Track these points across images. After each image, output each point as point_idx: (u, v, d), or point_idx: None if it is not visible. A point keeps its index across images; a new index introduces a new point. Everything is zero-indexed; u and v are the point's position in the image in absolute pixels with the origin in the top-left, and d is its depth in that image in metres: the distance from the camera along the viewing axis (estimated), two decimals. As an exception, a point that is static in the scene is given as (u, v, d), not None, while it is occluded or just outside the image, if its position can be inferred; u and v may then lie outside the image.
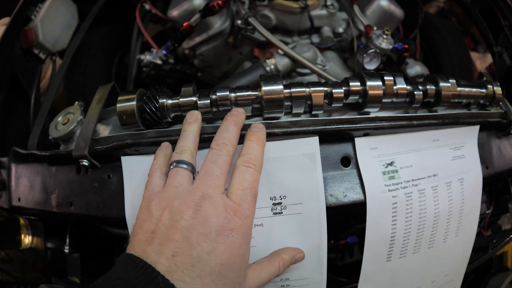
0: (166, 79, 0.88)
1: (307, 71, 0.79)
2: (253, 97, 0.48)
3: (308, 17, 0.81)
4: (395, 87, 0.54)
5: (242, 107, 0.49)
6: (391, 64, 1.05)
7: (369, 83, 0.52)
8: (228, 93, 0.47)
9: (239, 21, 0.79)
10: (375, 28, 0.82)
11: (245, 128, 0.47)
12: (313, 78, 0.79)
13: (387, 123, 0.54)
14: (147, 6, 0.98)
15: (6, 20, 1.26)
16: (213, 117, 0.50)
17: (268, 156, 0.49)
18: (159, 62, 0.81)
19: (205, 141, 0.47)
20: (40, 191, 0.59)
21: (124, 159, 0.51)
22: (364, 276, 0.58)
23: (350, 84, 0.52)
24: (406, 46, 0.92)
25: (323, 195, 0.50)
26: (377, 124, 0.53)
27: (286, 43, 0.83)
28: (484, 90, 0.62)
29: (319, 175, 0.50)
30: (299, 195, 0.50)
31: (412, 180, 0.56)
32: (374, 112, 0.56)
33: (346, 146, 0.54)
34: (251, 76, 0.71)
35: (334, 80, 0.73)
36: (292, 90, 0.49)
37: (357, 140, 0.53)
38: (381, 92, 0.52)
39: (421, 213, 0.57)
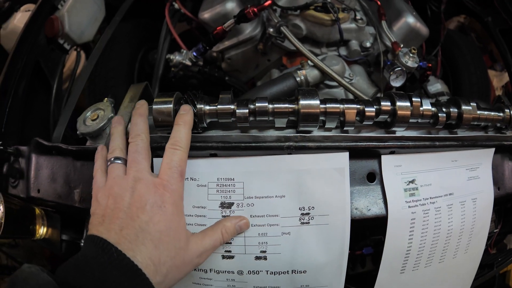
0: (191, 79, 0.91)
1: (334, 83, 0.81)
2: (290, 109, 0.50)
3: (338, 30, 0.83)
4: (421, 108, 0.57)
5: (278, 119, 0.51)
6: (413, 81, 1.07)
7: (398, 103, 0.55)
8: (267, 104, 0.49)
9: (271, 29, 0.82)
10: (401, 45, 0.84)
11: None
12: (340, 91, 0.81)
13: (412, 143, 0.57)
14: (176, 5, 1.00)
15: (29, 6, 1.29)
16: (249, 126, 0.52)
17: (300, 168, 0.51)
18: (188, 63, 0.83)
19: (241, 149, 0.49)
20: (63, 185, 0.61)
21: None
22: (378, 286, 0.61)
23: (382, 103, 0.55)
24: (430, 65, 0.94)
25: (349, 208, 0.52)
26: (403, 143, 0.56)
27: (315, 54, 0.85)
28: (501, 114, 0.65)
29: (347, 189, 0.52)
30: (326, 207, 0.52)
31: (430, 198, 0.59)
32: (400, 131, 0.59)
33: (373, 163, 0.56)
34: (282, 86, 0.73)
35: (361, 94, 0.76)
36: (327, 105, 0.51)
37: (383, 157, 0.56)
38: (409, 112, 0.56)
39: (436, 229, 0.60)
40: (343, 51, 0.90)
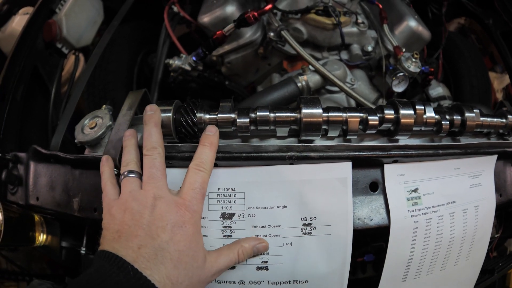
0: (190, 83, 0.90)
1: (336, 89, 0.80)
2: (292, 118, 0.50)
3: (340, 34, 0.83)
4: (424, 116, 0.57)
5: (279, 128, 0.50)
6: (415, 85, 1.07)
7: (402, 111, 0.55)
8: (268, 113, 0.49)
9: (271, 33, 0.81)
10: (403, 49, 0.83)
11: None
12: (342, 96, 0.81)
13: (415, 152, 0.56)
14: (175, 8, 0.99)
15: (28, 9, 1.27)
16: (250, 135, 0.52)
17: (302, 178, 0.51)
18: (188, 68, 0.83)
19: (242, 159, 0.49)
20: (61, 193, 0.60)
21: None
22: None
23: (385, 111, 0.54)
24: (432, 69, 0.93)
25: (352, 218, 0.52)
26: (406, 152, 0.56)
27: (316, 58, 0.85)
28: (504, 120, 0.65)
29: (349, 199, 0.52)
30: (329, 217, 0.52)
31: (433, 206, 0.59)
32: (403, 140, 0.58)
33: (376, 172, 0.56)
34: (283, 91, 0.72)
35: (362, 100, 0.75)
36: (330, 114, 0.51)
37: (386, 166, 0.56)
38: (412, 121, 0.55)
39: (438, 238, 0.60)
40: (344, 55, 0.90)
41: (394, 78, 0.79)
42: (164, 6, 1.02)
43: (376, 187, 0.56)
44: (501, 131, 0.66)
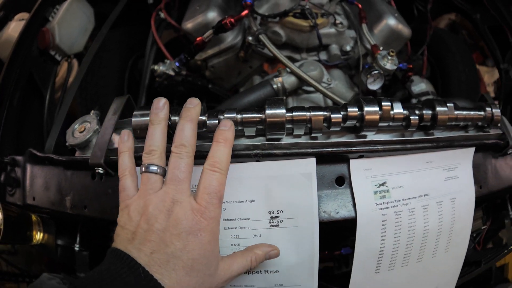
0: (178, 87, 0.96)
1: (313, 89, 0.85)
2: (257, 119, 0.55)
3: (317, 35, 0.88)
4: (391, 112, 0.60)
5: (247, 128, 0.56)
6: (396, 81, 1.11)
7: (366, 108, 0.58)
8: (235, 114, 0.54)
9: (250, 38, 0.87)
10: (381, 48, 0.88)
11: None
12: (319, 96, 0.86)
13: (381, 147, 0.60)
14: (162, 15, 1.05)
15: (23, 15, 1.33)
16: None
17: (269, 174, 0.56)
18: (171, 73, 0.89)
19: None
20: (55, 193, 0.66)
21: (138, 169, 0.58)
22: (353, 285, 0.64)
23: (348, 109, 0.58)
24: (411, 66, 0.97)
25: (317, 211, 0.56)
26: (372, 147, 0.60)
27: (295, 60, 0.90)
28: (482, 113, 0.67)
29: (314, 193, 0.56)
30: (295, 210, 0.56)
31: (403, 199, 0.62)
32: (371, 135, 0.62)
33: (342, 167, 0.60)
34: (259, 93, 0.77)
35: (337, 98, 0.80)
36: (294, 114, 0.56)
37: (352, 161, 0.60)
38: (377, 117, 0.58)
39: (410, 230, 0.63)
40: (323, 55, 0.94)
41: (368, 76, 0.83)
42: (152, 12, 1.08)
43: (343, 181, 0.60)
44: (480, 123, 0.68)
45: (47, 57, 1.09)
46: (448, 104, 0.64)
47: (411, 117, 0.61)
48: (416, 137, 0.66)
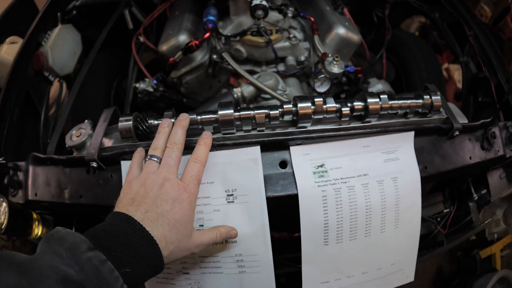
0: (158, 103, 1.18)
1: (269, 96, 1.07)
2: (213, 119, 0.75)
3: (272, 50, 1.11)
4: (324, 106, 0.77)
5: (206, 126, 0.77)
6: (350, 84, 1.26)
7: (299, 104, 0.76)
8: (195, 116, 0.75)
9: (214, 56, 1.10)
10: (330, 55, 1.07)
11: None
12: (275, 101, 1.06)
13: (316, 135, 0.78)
14: (141, 39, 1.29)
15: (14, 38, 1.50)
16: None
17: (224, 160, 0.75)
18: (151, 90, 1.11)
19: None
20: (55, 187, 0.84)
21: (123, 163, 0.78)
22: (305, 256, 0.77)
23: (284, 106, 0.77)
24: (359, 68, 1.15)
25: (263, 189, 0.74)
26: (307, 135, 0.78)
27: (255, 72, 1.12)
28: (420, 101, 0.80)
29: (260, 174, 0.74)
30: (246, 189, 0.74)
31: (341, 178, 0.76)
32: (310, 126, 0.79)
33: (284, 153, 0.79)
34: (221, 102, 0.99)
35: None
36: (241, 113, 0.75)
37: (292, 148, 0.78)
38: (310, 111, 0.76)
39: (352, 205, 0.76)
40: (281, 67, 1.17)
41: (315, 80, 1.03)
42: (132, 37, 1.31)
43: (286, 164, 0.77)
44: (420, 110, 0.82)
45: (42, 77, 1.29)
46: (381, 96, 0.78)
47: (342, 109, 0.78)
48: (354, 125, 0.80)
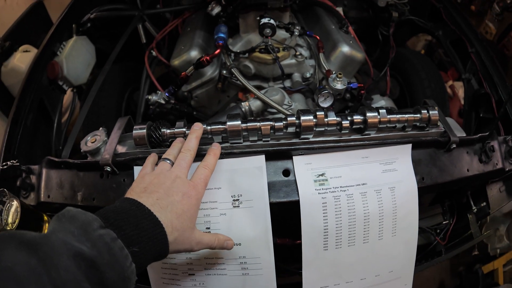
0: (168, 115, 1.28)
1: (275, 110, 1.16)
2: (222, 129, 0.85)
3: (279, 66, 1.22)
4: (326, 119, 0.85)
5: (215, 136, 0.87)
6: (353, 100, 1.35)
7: (302, 117, 0.85)
8: (206, 126, 0.85)
9: (224, 71, 1.21)
10: (333, 72, 1.16)
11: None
12: (281, 116, 1.15)
13: (317, 146, 0.87)
14: (154, 53, 1.41)
15: (27, 46, 1.62)
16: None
17: (231, 167, 0.84)
18: (162, 102, 1.22)
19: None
20: (69, 190, 0.92)
21: (136, 168, 0.87)
22: (305, 261, 0.84)
23: (288, 119, 0.86)
24: (362, 85, 1.23)
25: (267, 195, 0.82)
26: (309, 146, 0.87)
27: (263, 88, 1.23)
28: (418, 115, 0.87)
29: (264, 181, 0.83)
30: (251, 194, 0.82)
31: (341, 186, 0.84)
32: (312, 138, 0.88)
33: (287, 162, 0.87)
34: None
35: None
36: (248, 124, 0.85)
37: (294, 158, 0.87)
38: (312, 123, 0.85)
39: (350, 212, 0.83)
40: (287, 83, 1.27)
41: (319, 96, 1.13)
42: (145, 51, 1.44)
43: (288, 173, 0.86)
44: (418, 124, 0.89)
45: (56, 86, 1.40)
46: (380, 110, 0.86)
47: (342, 122, 0.86)
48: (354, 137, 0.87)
